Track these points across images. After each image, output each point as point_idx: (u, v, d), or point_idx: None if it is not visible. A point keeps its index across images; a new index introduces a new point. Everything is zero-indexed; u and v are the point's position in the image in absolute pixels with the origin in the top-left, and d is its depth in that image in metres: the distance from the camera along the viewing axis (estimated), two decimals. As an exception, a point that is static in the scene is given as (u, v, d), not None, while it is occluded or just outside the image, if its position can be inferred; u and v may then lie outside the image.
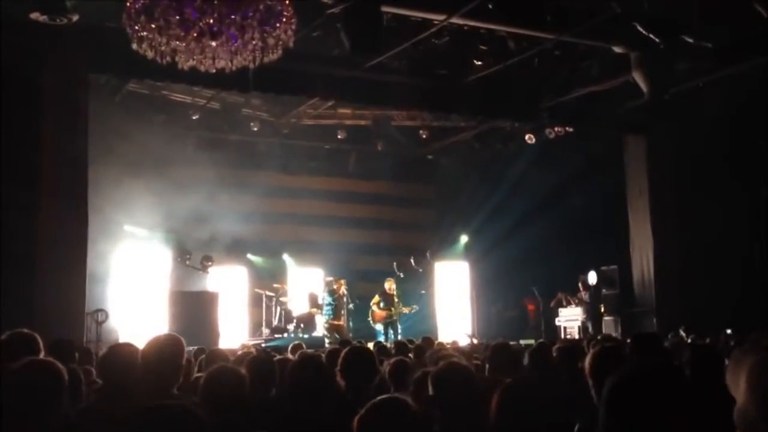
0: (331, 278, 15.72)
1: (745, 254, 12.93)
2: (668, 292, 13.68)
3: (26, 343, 4.07)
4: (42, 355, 3.97)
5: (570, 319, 15.15)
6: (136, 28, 6.52)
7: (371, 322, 15.16)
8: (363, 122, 16.41)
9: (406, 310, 15.37)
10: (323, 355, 5.39)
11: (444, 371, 3.41)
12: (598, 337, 10.11)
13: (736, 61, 11.43)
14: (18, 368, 3.02)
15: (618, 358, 3.31)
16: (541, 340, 7.41)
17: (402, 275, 16.28)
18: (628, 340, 4.85)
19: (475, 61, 11.95)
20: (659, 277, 13.93)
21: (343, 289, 15.06)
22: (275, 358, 5.00)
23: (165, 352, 3.72)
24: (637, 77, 11.02)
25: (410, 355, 7.16)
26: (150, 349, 3.75)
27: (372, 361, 4.33)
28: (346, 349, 4.52)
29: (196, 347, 8.62)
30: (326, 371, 4.05)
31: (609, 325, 14.53)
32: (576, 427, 3.07)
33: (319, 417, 3.63)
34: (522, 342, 11.34)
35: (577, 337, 14.03)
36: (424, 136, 16.58)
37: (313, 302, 15.24)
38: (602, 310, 14.95)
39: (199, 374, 4.61)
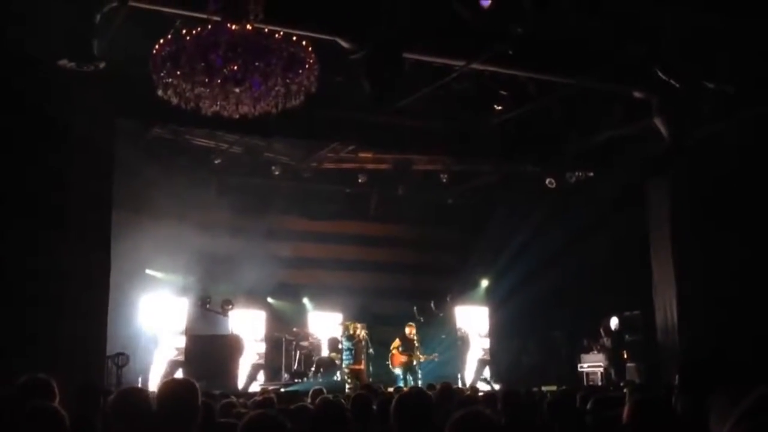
0: (348, 323, 15.64)
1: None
2: (693, 337, 13.43)
3: (42, 388, 4.07)
4: (57, 400, 3.97)
5: (593, 365, 14.94)
6: (162, 74, 6.63)
7: (390, 365, 15.03)
8: (384, 166, 16.47)
9: (425, 358, 15.22)
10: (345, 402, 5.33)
11: (463, 419, 3.34)
12: (621, 384, 9.97)
13: (758, 102, 11.38)
14: (23, 414, 3.03)
15: (661, 409, 3.17)
16: (564, 388, 7.30)
17: (422, 319, 16.17)
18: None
19: (496, 106, 12.01)
20: (683, 322, 13.70)
21: (363, 333, 14.96)
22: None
23: (180, 395, 3.63)
24: (659, 122, 11.00)
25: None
26: (164, 393, 3.67)
27: (428, 407, 4.07)
28: (399, 394, 4.37)
29: (218, 392, 8.59)
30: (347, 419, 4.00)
31: (632, 371, 14.29)
32: None
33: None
34: (544, 388, 11.18)
35: (599, 383, 13.83)
36: (444, 180, 16.61)
37: (333, 347, 15.15)
38: (625, 356, 14.73)
39: (224, 419, 4.58)
